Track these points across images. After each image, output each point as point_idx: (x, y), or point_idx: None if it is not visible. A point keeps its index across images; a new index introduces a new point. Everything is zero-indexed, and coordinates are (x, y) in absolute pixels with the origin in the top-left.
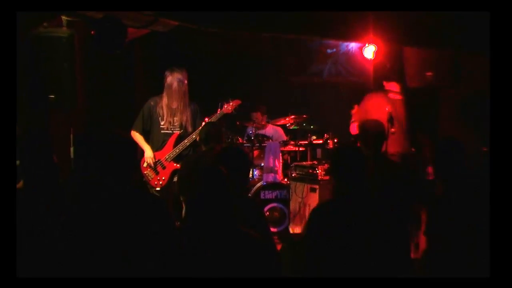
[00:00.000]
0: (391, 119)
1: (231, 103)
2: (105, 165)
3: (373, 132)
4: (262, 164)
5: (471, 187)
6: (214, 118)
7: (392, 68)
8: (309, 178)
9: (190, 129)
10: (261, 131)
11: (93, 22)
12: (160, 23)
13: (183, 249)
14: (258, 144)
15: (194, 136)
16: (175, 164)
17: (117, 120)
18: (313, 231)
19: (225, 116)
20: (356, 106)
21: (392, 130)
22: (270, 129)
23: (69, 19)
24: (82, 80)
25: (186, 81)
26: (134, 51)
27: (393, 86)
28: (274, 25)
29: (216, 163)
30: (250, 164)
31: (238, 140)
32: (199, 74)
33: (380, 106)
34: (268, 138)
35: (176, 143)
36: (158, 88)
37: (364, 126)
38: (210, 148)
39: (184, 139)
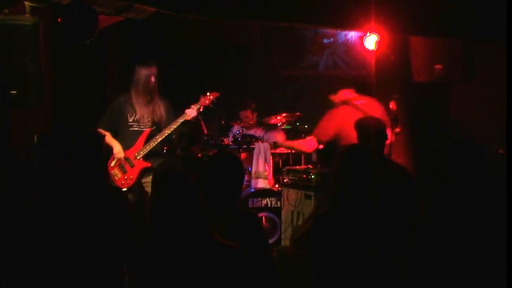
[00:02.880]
0: (395, 119)
1: (208, 95)
2: (73, 167)
3: (374, 132)
4: (250, 169)
5: (489, 194)
6: (190, 111)
7: (396, 61)
8: (303, 184)
9: (162, 125)
10: (250, 131)
11: (60, 8)
12: (135, 9)
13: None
14: (245, 146)
15: (167, 132)
16: (145, 162)
17: (87, 118)
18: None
19: (204, 110)
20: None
21: (397, 130)
22: (260, 129)
23: (33, 5)
24: (47, 73)
25: (154, 76)
26: (106, 41)
27: (346, 94)
28: (263, 11)
29: (187, 169)
30: (244, 171)
31: (223, 141)
32: (178, 68)
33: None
34: (257, 139)
35: (147, 141)
36: (132, 81)
37: (363, 125)
38: (184, 151)
39: (156, 135)
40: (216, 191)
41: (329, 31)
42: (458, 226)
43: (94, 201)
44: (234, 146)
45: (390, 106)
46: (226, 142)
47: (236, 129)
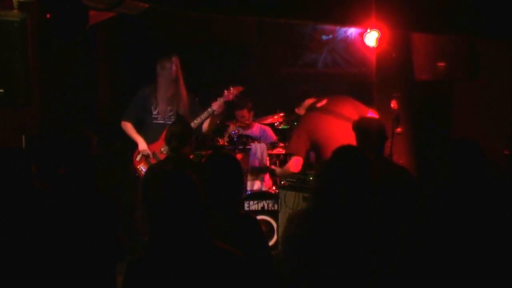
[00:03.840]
0: (397, 118)
1: (232, 90)
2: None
3: (374, 132)
4: (246, 170)
5: (492, 196)
6: (216, 104)
7: (398, 58)
8: (301, 186)
9: (188, 118)
10: (246, 131)
11: (49, 3)
12: (127, 4)
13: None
14: (241, 147)
15: (192, 125)
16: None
17: (77, 119)
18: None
19: (227, 104)
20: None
21: (398, 130)
22: (257, 129)
23: (21, 0)
24: (36, 71)
25: (176, 67)
26: (96, 38)
27: (308, 102)
28: (260, 7)
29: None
30: (242, 174)
31: (218, 141)
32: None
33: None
34: (253, 139)
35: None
36: (124, 80)
37: (362, 126)
38: (174, 153)
39: None
40: (213, 193)
41: (328, 27)
42: (461, 229)
43: (84, 203)
44: (229, 147)
45: (392, 105)
46: (221, 143)
47: (232, 129)
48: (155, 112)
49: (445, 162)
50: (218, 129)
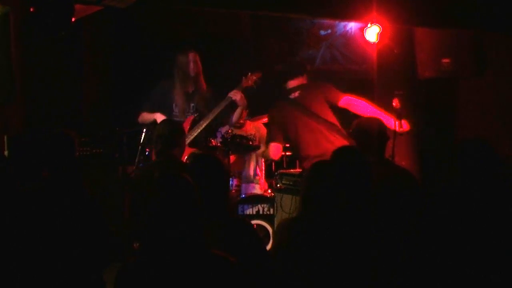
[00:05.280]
0: (399, 117)
1: (250, 75)
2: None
3: (374, 132)
4: (241, 172)
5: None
6: (234, 93)
7: (400, 54)
8: (298, 189)
9: (206, 112)
10: (239, 131)
11: None
12: None
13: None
14: (235, 147)
15: (211, 116)
16: (190, 148)
17: (62, 117)
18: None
19: (246, 90)
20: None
21: (401, 130)
22: (251, 129)
23: None
24: (19, 68)
25: (193, 62)
26: (82, 33)
27: (292, 84)
28: (254, 0)
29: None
30: (228, 175)
31: (210, 142)
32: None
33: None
34: (248, 139)
35: (192, 127)
36: (111, 77)
37: (362, 126)
38: (161, 156)
39: (200, 121)
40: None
41: (327, 21)
42: (469, 235)
43: (70, 207)
44: (223, 148)
45: (393, 104)
46: (214, 143)
47: (225, 129)
48: (174, 107)
49: (454, 163)
50: (211, 129)
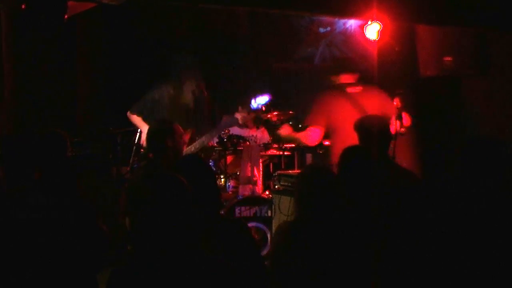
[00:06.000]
0: (400, 116)
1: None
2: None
3: (377, 131)
4: (238, 173)
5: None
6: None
7: (401, 52)
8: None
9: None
10: (244, 130)
11: None
12: None
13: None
14: (232, 148)
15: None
16: None
17: (54, 117)
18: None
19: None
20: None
21: (401, 130)
22: (254, 130)
23: None
24: (10, 67)
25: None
26: (75, 30)
27: (347, 79)
28: None
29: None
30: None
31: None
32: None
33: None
34: (245, 140)
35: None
36: (105, 76)
37: (365, 124)
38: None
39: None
40: None
41: (326, 19)
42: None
43: (61, 205)
44: (219, 148)
45: (395, 103)
46: (210, 144)
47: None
48: None
49: (457, 163)
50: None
